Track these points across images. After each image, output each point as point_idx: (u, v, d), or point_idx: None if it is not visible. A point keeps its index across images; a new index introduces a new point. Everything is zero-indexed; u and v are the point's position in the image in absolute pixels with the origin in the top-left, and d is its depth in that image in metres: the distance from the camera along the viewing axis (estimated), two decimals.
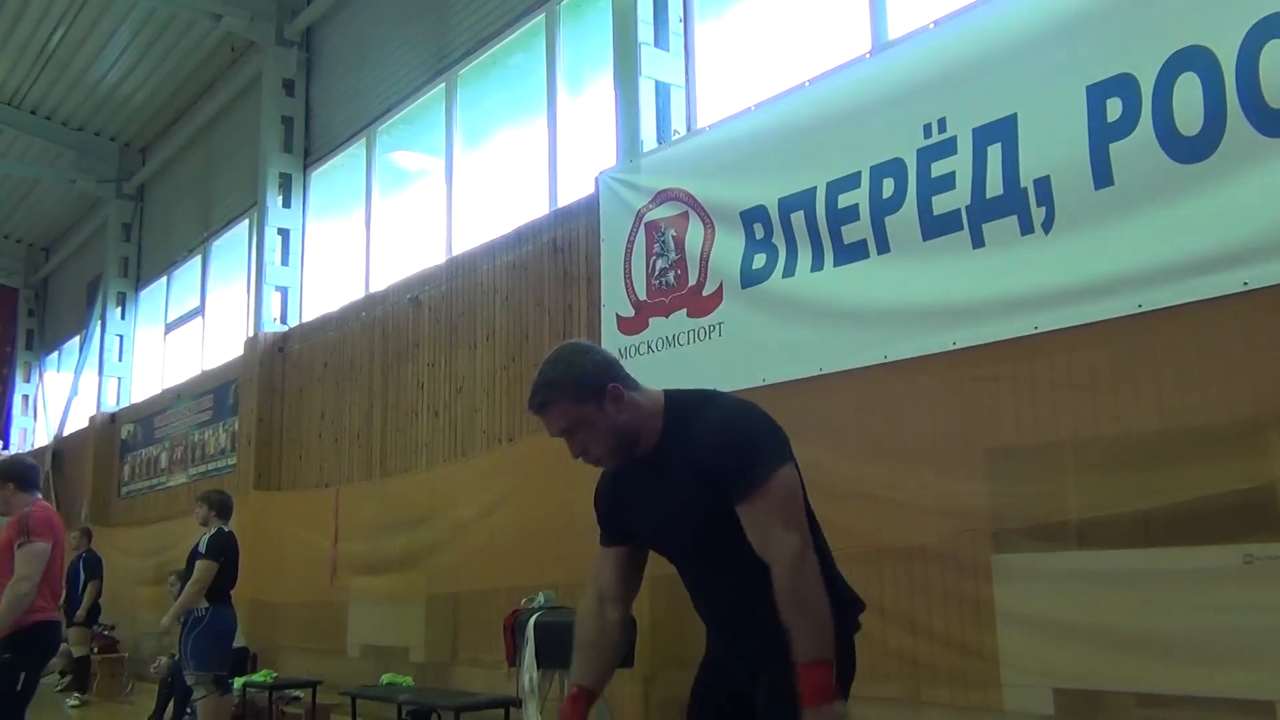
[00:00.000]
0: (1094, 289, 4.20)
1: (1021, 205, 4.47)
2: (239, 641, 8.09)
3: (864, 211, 5.12)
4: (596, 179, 6.85)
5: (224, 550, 7.01)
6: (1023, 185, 4.48)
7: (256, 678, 8.76)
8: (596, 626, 2.60)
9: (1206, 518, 3.85)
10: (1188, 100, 3.95)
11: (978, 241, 4.64)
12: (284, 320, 11.38)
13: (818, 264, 5.37)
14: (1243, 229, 3.80)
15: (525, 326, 7.84)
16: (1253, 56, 3.75)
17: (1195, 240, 3.92)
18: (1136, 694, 3.83)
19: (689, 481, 2.39)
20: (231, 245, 13.28)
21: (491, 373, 8.13)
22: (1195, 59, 3.94)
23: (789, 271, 5.51)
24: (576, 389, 2.41)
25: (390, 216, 10.40)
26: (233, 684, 7.95)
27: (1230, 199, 3.84)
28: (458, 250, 8.90)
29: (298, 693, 8.42)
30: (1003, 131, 4.56)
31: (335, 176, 11.28)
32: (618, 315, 6.52)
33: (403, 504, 8.48)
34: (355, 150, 10.79)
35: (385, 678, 7.96)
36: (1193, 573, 3.80)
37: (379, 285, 9.96)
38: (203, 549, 6.89)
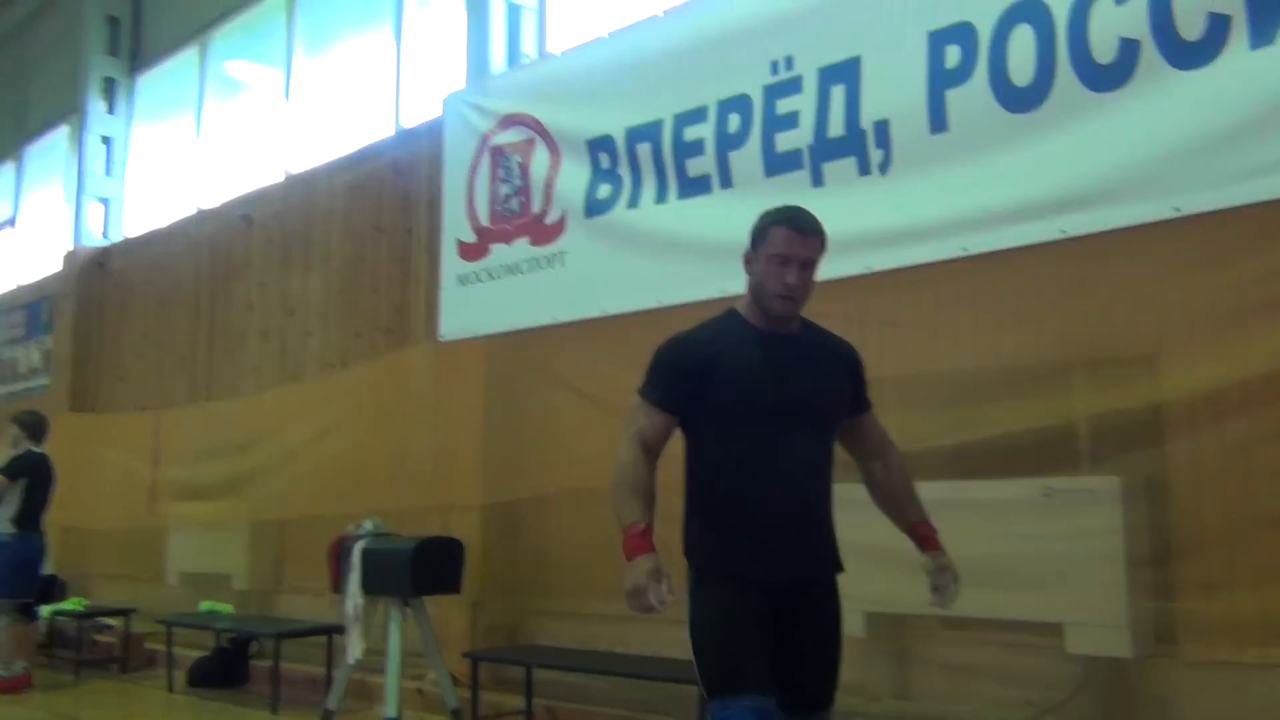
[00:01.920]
0: (924, 231, 4.32)
1: (860, 147, 4.56)
2: (48, 569, 7.72)
3: (709, 146, 5.14)
4: (443, 101, 6.67)
5: (25, 470, 6.64)
6: (863, 127, 4.57)
7: (66, 606, 8.38)
8: (646, 473, 2.66)
9: (1013, 453, 4.06)
10: (1022, 51, 4.08)
11: (817, 180, 4.71)
12: (105, 234, 10.76)
13: (662, 196, 5.37)
14: (1064, 179, 3.96)
15: (362, 250, 7.62)
16: (1083, 13, 3.90)
17: (1020, 188, 4.07)
18: (941, 617, 4.02)
19: (836, 367, 2.80)
20: (49, 151, 12.44)
21: (326, 296, 7.89)
22: (1031, 11, 4.06)
23: (633, 202, 5.50)
24: (824, 241, 2.76)
25: (223, 128, 9.91)
26: (39, 612, 7.59)
27: (1054, 150, 3.99)
28: (294, 168, 8.57)
29: (111, 621, 8.09)
30: (847, 73, 4.63)
31: (165, 84, 10.65)
32: (459, 241, 6.40)
33: (229, 428, 8.18)
34: (187, 56, 10.21)
35: (204, 605, 7.72)
36: (998, 504, 4.00)
37: (209, 201, 9.50)
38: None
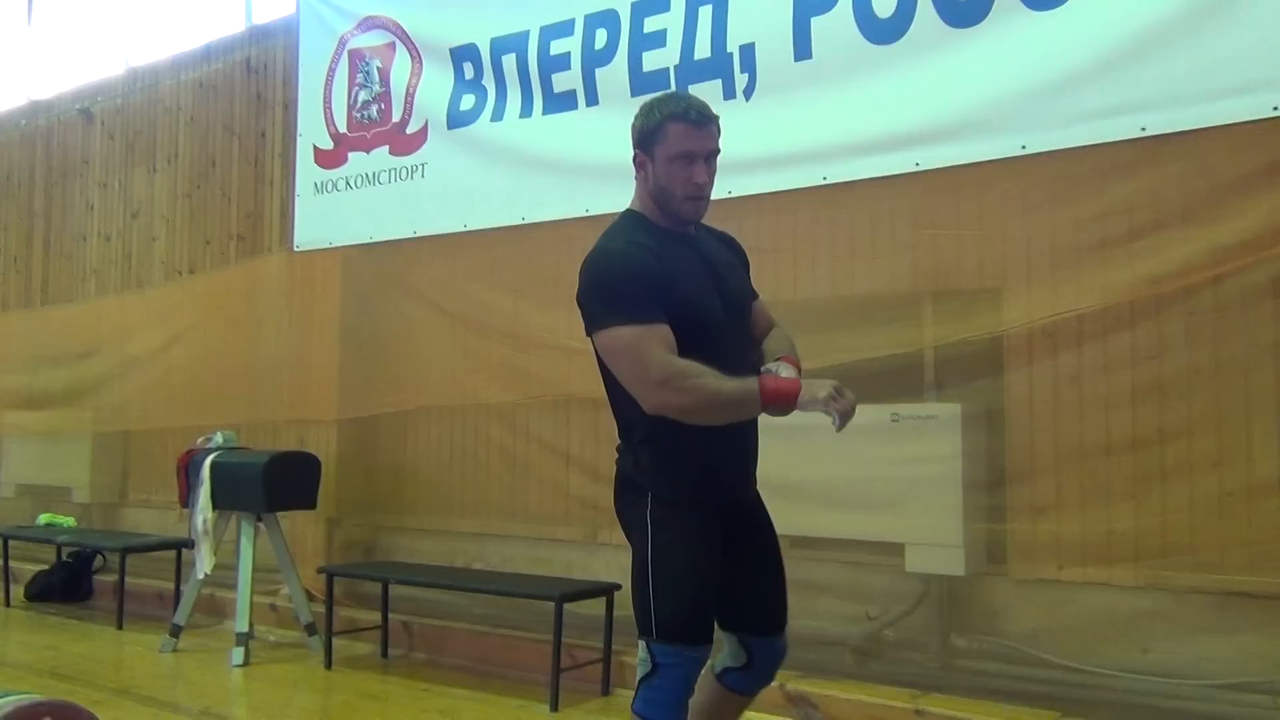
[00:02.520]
0: (786, 158, 4.35)
1: (726, 70, 4.55)
2: None
3: (576, 61, 5.05)
4: None
5: None
6: (729, 50, 4.55)
7: None
8: (705, 367, 2.35)
9: (864, 379, 4.18)
10: None
11: None
12: None
13: (527, 110, 5.27)
14: (920, 113, 4.03)
15: (212, 151, 7.28)
16: None
17: (878, 119, 4.13)
18: (791, 536, 4.16)
19: (736, 264, 2.71)
20: None
21: (173, 199, 7.54)
22: None
23: (498, 115, 5.38)
24: (720, 126, 2.58)
25: (59, 13, 9.24)
26: None
27: (912, 83, 4.05)
28: (138, 61, 8.08)
29: None
30: None
31: None
32: (315, 147, 6.17)
33: (68, 335, 7.81)
34: None
35: (43, 518, 7.43)
36: (847, 429, 4.13)
37: (44, 92, 8.90)
38: None
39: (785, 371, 2.46)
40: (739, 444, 2.58)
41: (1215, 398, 3.55)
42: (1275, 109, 3.31)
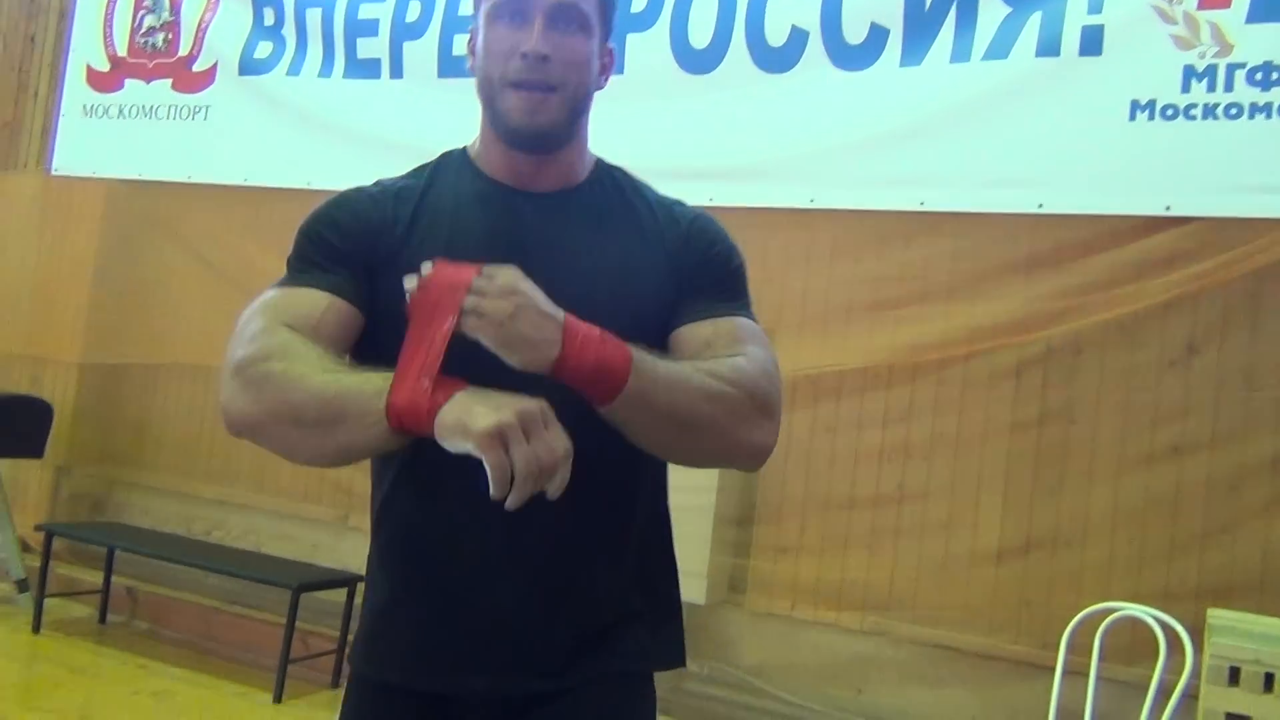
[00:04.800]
0: None
1: None
2: None
3: (384, 29, 4.84)
4: None
5: None
6: None
7: None
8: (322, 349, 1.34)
9: None
10: (703, 14, 4.12)
11: None
12: None
13: (327, 70, 5.02)
14: (721, 147, 4.08)
15: None
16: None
17: (679, 147, 4.14)
18: None
19: (642, 244, 1.52)
20: None
21: None
22: None
23: (294, 70, 5.11)
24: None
25: None
26: None
27: (716, 117, 4.10)
28: None
29: None
30: None
31: None
32: (89, 66, 5.69)
33: None
34: None
35: None
36: None
37: None
38: None
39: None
40: (506, 576, 1.42)
41: (952, 466, 3.77)
42: (1039, 206, 3.54)
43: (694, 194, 4.06)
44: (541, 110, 1.43)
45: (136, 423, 5.68)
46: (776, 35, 3.97)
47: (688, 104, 4.14)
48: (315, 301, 1.41)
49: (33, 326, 5.65)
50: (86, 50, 5.70)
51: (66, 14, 5.90)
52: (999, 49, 3.61)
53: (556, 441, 1.19)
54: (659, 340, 1.46)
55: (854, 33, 3.83)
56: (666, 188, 4.29)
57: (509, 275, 1.26)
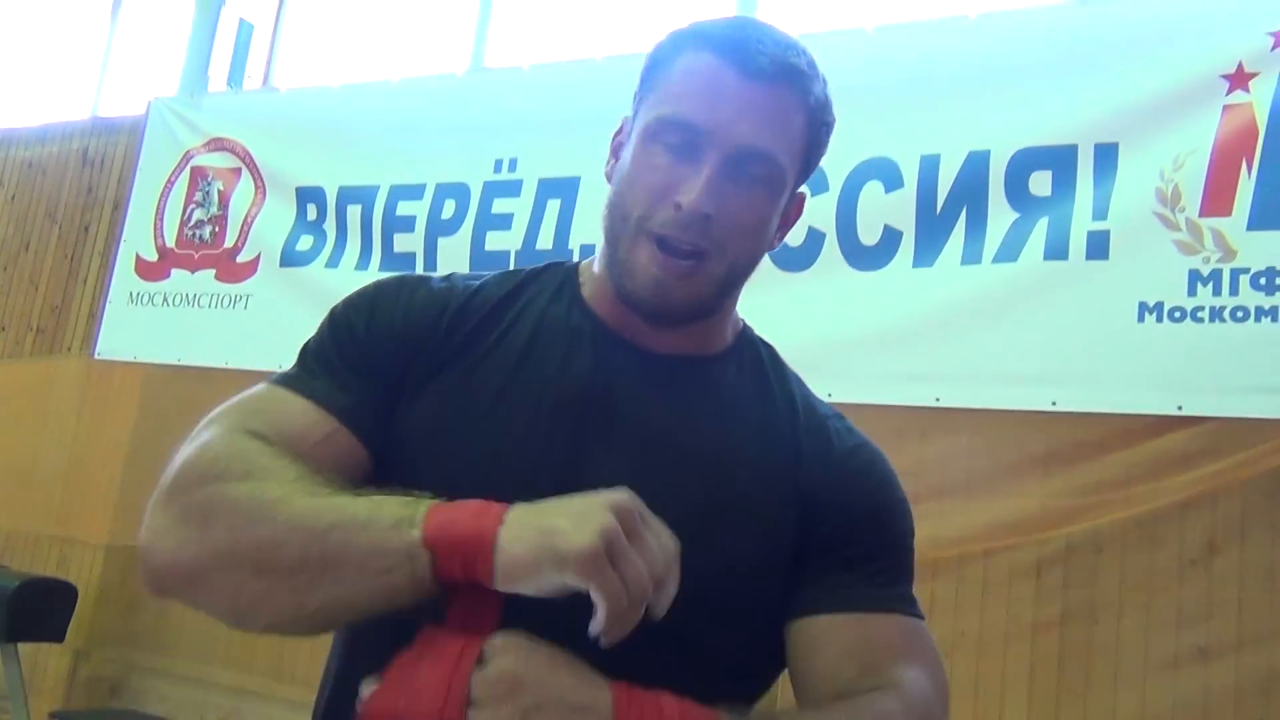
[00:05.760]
0: None
1: None
2: None
3: (420, 225, 5.08)
4: (149, 103, 6.22)
5: None
6: (570, 246, 4.66)
7: None
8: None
9: None
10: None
11: None
12: None
13: (364, 263, 5.24)
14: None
15: (28, 235, 6.93)
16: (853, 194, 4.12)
17: None
18: None
19: (769, 469, 1.18)
20: None
21: None
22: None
23: (334, 262, 5.33)
24: (818, 108, 1.16)
25: None
26: None
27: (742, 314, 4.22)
28: None
29: None
30: (565, 189, 4.72)
31: None
32: (138, 255, 5.96)
33: None
34: None
35: None
36: None
37: None
38: None
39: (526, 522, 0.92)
40: None
41: (975, 666, 3.71)
42: (1053, 403, 3.59)
43: None
44: (682, 285, 1.11)
45: (158, 606, 5.68)
46: (795, 236, 4.11)
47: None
48: (311, 421, 1.08)
49: (64, 508, 5.75)
50: (137, 240, 5.98)
51: (121, 205, 6.22)
52: (1008, 252, 3.74)
53: (663, 538, 0.90)
54: (753, 588, 1.09)
55: (869, 234, 3.98)
56: None
57: (509, 661, 0.86)
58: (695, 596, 0.95)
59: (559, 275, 1.27)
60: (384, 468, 1.11)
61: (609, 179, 1.21)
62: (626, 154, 1.17)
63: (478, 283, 1.25)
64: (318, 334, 1.21)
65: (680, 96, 1.13)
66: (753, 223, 1.18)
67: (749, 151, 1.12)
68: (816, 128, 1.18)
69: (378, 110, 5.39)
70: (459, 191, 5.01)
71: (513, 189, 4.87)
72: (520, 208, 4.82)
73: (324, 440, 1.08)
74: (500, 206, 4.88)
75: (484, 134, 4.99)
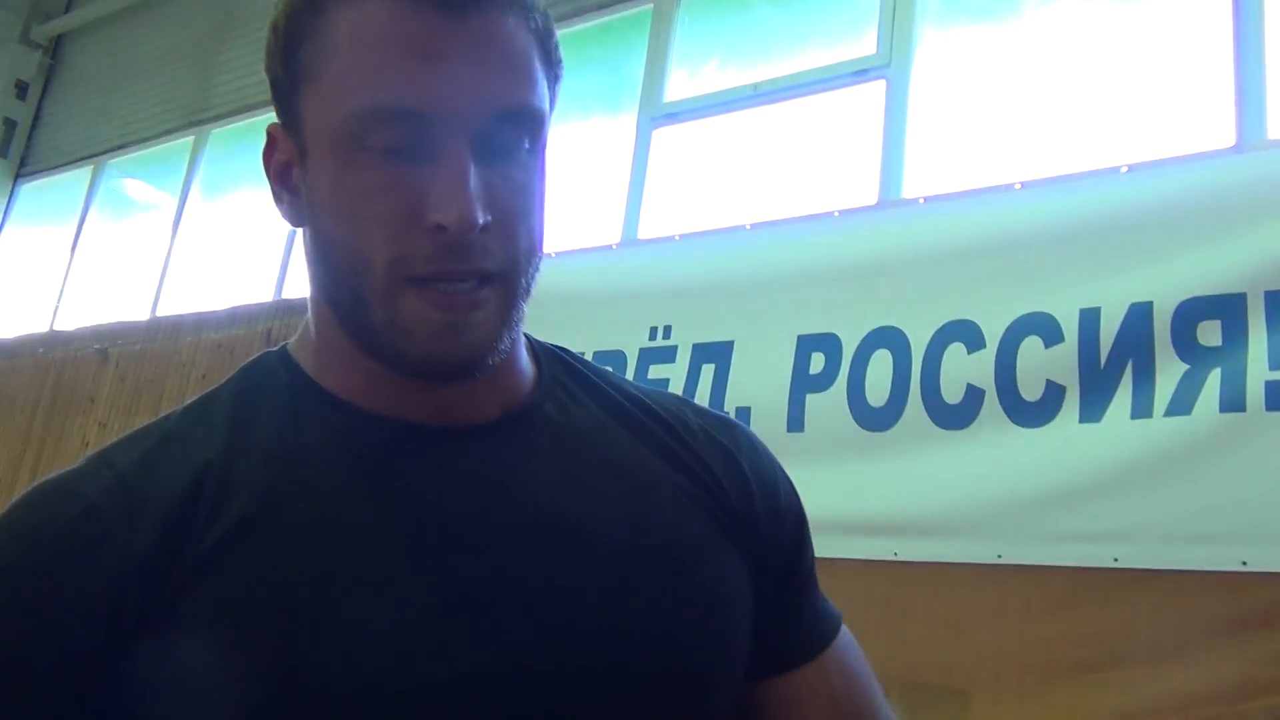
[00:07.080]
0: None
1: None
2: None
3: None
4: None
5: None
6: (727, 408, 4.71)
7: None
8: None
9: None
10: (880, 372, 4.31)
11: None
12: None
13: None
14: (902, 502, 4.13)
15: None
16: (937, 354, 4.15)
17: (862, 501, 4.22)
18: None
19: (686, 503, 1.00)
20: None
21: None
22: (891, 338, 4.32)
23: None
24: (534, 6, 0.86)
25: (100, 250, 9.67)
26: None
27: (897, 472, 4.16)
28: (163, 310, 8.39)
29: None
30: (719, 354, 4.81)
31: (50, 194, 10.42)
32: None
33: None
34: (79, 175, 10.04)
35: None
36: None
37: (65, 324, 9.19)
38: None
39: None
40: None
41: None
42: (1244, 563, 3.40)
43: (879, 549, 4.11)
44: (480, 315, 0.84)
45: None
46: (953, 394, 4.08)
47: (868, 458, 4.24)
48: None
49: None
50: None
51: None
52: (1181, 405, 3.61)
53: None
54: (740, 655, 0.95)
55: (1030, 390, 3.91)
56: (851, 544, 4.30)
57: None
58: (664, 678, 0.85)
59: (271, 394, 0.89)
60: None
61: (290, 220, 0.88)
62: (319, 179, 0.82)
63: (158, 449, 0.91)
64: None
65: (370, 75, 0.77)
66: (532, 202, 0.87)
67: (500, 115, 0.80)
68: (544, 33, 0.85)
69: (547, 284, 5.62)
70: (616, 359, 5.15)
71: (668, 355, 4.99)
72: (675, 373, 4.92)
73: None
74: (656, 373, 4.99)
75: (640, 303, 5.15)
